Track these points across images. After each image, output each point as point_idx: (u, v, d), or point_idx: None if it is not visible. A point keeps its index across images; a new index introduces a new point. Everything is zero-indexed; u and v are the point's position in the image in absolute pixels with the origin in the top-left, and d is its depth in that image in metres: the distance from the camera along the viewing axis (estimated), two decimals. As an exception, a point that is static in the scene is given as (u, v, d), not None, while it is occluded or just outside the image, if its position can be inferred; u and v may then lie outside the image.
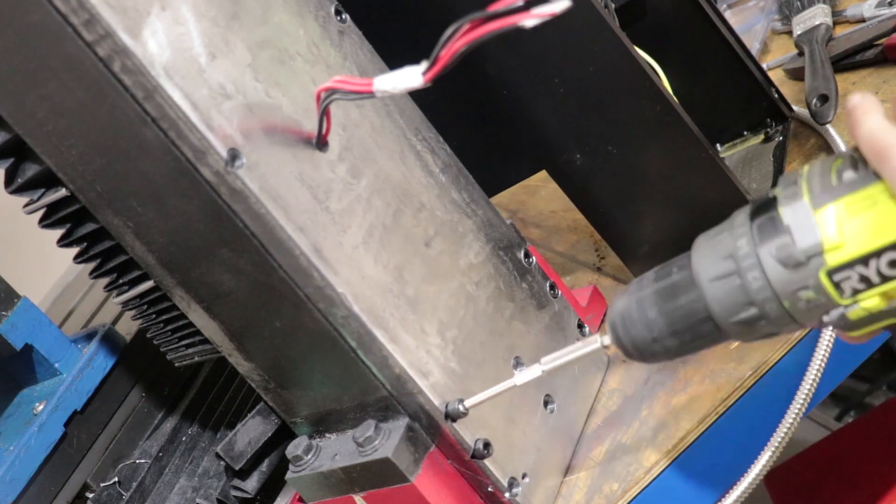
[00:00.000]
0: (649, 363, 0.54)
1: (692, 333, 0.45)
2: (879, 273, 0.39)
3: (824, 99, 0.79)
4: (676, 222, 0.70)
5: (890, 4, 0.89)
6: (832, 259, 0.40)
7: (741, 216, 0.43)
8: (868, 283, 0.39)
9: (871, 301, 0.40)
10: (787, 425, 0.58)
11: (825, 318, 0.41)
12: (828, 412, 1.48)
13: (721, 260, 0.43)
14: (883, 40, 0.84)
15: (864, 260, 0.39)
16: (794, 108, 0.83)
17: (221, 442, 0.70)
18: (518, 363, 0.62)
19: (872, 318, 0.41)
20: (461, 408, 0.56)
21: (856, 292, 0.40)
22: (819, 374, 0.60)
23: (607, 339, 0.48)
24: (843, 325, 0.41)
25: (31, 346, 0.81)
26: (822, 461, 0.96)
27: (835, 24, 0.93)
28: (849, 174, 0.40)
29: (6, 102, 0.54)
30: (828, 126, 0.77)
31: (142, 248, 0.58)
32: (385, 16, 0.67)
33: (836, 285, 0.40)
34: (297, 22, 0.57)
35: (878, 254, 0.39)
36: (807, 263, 0.40)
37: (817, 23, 0.93)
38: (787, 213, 0.41)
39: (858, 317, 0.41)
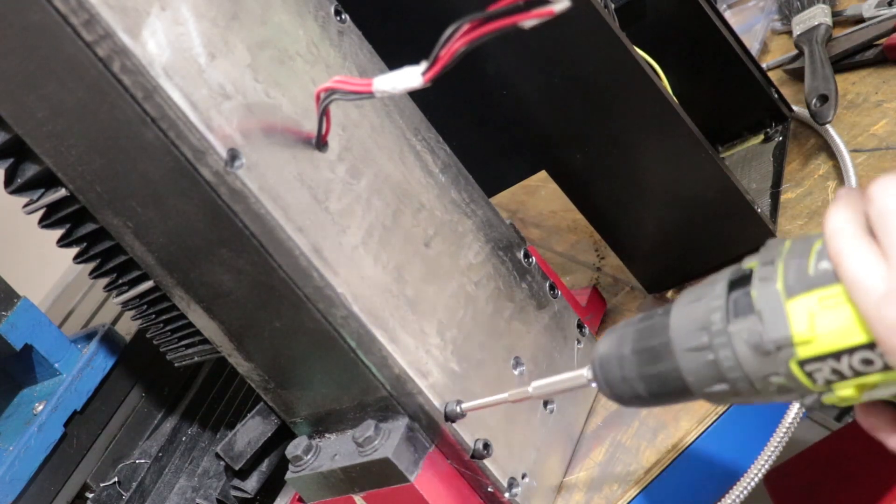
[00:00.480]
0: (627, 407, 0.56)
1: (668, 394, 0.45)
2: (852, 368, 0.37)
3: (824, 99, 0.79)
4: (676, 222, 0.70)
5: (890, 4, 0.89)
6: (803, 352, 0.38)
7: (721, 284, 0.42)
8: (841, 376, 0.38)
9: (846, 391, 0.38)
10: (787, 425, 0.58)
11: (799, 402, 0.40)
12: (828, 412, 1.48)
13: (696, 331, 0.42)
14: (882, 40, 0.84)
15: (836, 356, 0.37)
16: (794, 108, 0.83)
17: (221, 442, 0.70)
18: (518, 363, 0.62)
19: (850, 401, 0.39)
20: (458, 409, 0.56)
21: (829, 382, 0.38)
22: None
23: (590, 376, 0.48)
24: (820, 407, 0.40)
25: (31, 346, 0.81)
26: (822, 461, 0.96)
27: (834, 24, 0.93)
28: (824, 264, 0.38)
29: (6, 102, 0.54)
30: (828, 126, 0.77)
31: (141, 248, 0.58)
32: (385, 16, 0.66)
33: (808, 374, 0.38)
34: (296, 22, 0.57)
35: (849, 351, 0.37)
36: (776, 352, 0.39)
37: (817, 23, 0.93)
38: (759, 297, 0.39)
39: (834, 402, 0.39)
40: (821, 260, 0.38)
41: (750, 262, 0.41)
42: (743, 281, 0.41)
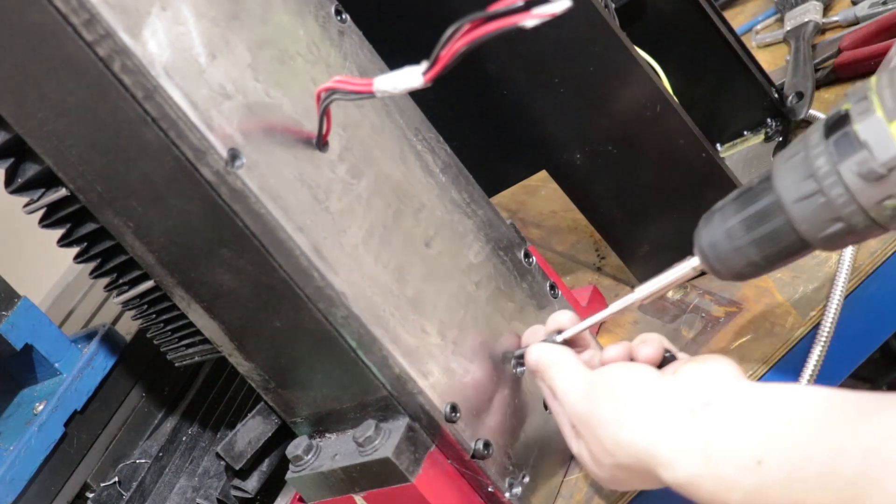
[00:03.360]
0: (742, 281, 0.56)
1: (782, 252, 0.46)
2: None
3: (800, 96, 0.80)
4: (676, 222, 0.70)
5: (884, 3, 0.89)
6: None
7: (816, 134, 0.44)
8: None
9: None
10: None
11: None
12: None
13: (803, 180, 0.44)
14: (830, 62, 0.84)
15: None
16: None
17: (221, 442, 0.70)
18: (518, 363, 0.62)
19: None
20: (557, 339, 0.58)
21: None
22: (816, 372, 0.60)
23: (697, 263, 0.50)
24: None
25: (31, 346, 0.81)
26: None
27: (829, 27, 0.93)
28: None
29: (6, 102, 0.54)
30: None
31: (142, 248, 0.58)
32: (385, 16, 0.67)
33: None
34: (297, 22, 0.57)
35: None
36: (889, 174, 0.41)
37: (807, 20, 0.93)
38: (862, 128, 0.41)
39: None
40: None
41: (843, 105, 0.43)
42: (838, 124, 0.43)
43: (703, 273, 0.51)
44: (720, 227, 0.48)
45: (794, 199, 0.44)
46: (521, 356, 0.62)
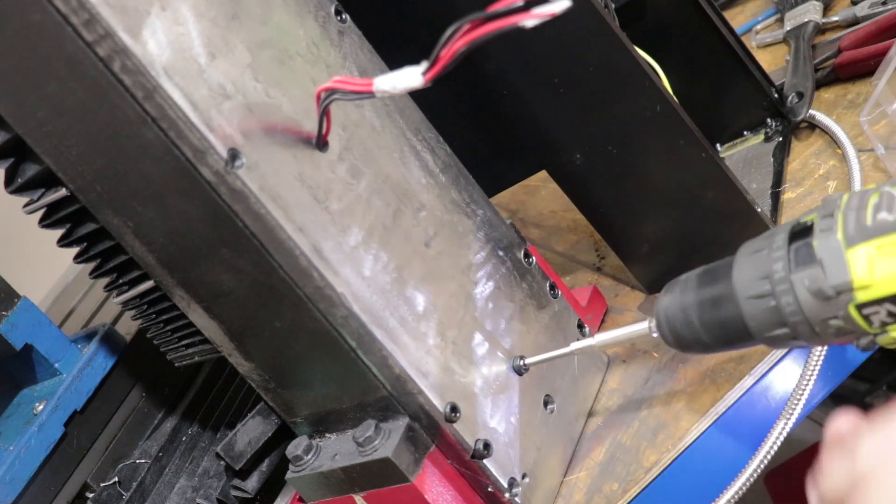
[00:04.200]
0: (688, 353, 0.60)
1: (730, 339, 0.48)
2: None
3: (800, 96, 0.80)
4: (676, 222, 0.70)
5: (884, 3, 0.89)
6: (861, 296, 0.41)
7: (781, 236, 0.45)
8: None
9: None
10: (782, 425, 0.58)
11: (855, 343, 0.43)
12: (828, 412, 1.48)
13: (758, 280, 0.45)
14: (830, 62, 0.84)
15: (893, 299, 0.40)
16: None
17: (221, 442, 0.70)
18: (518, 364, 0.62)
19: None
20: (523, 364, 0.62)
21: (885, 324, 0.41)
22: (816, 372, 0.59)
23: (652, 327, 0.53)
24: (873, 347, 0.43)
25: (31, 346, 0.81)
26: (822, 461, 0.96)
27: (829, 27, 0.93)
28: (883, 215, 0.41)
29: (6, 102, 0.54)
30: (834, 126, 0.77)
31: (142, 248, 0.58)
32: (385, 16, 0.66)
33: (866, 318, 0.42)
34: (296, 22, 0.57)
35: None
36: (836, 297, 0.42)
37: (807, 20, 0.93)
38: (821, 246, 0.42)
39: (889, 342, 0.42)
40: (878, 211, 0.41)
41: (809, 216, 0.44)
42: (802, 233, 0.44)
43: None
44: (678, 300, 0.50)
45: (748, 296, 0.46)
46: (522, 356, 0.62)
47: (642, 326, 0.54)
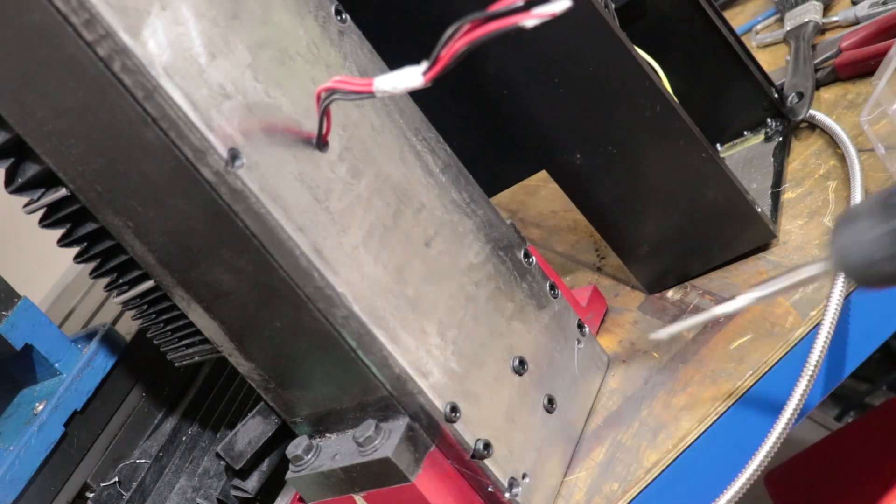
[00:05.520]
0: (879, 289, 0.55)
1: None
2: None
3: (801, 96, 0.80)
4: (676, 222, 0.70)
5: (884, 3, 0.89)
6: None
7: None
8: None
9: None
10: (782, 425, 0.58)
11: None
12: (828, 412, 1.48)
13: None
14: (830, 62, 0.84)
15: None
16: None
17: (221, 442, 0.70)
18: (518, 364, 0.62)
19: None
20: (662, 334, 0.57)
21: None
22: (816, 373, 0.60)
23: (830, 268, 0.48)
24: None
25: (31, 346, 0.81)
26: (822, 461, 0.96)
27: (829, 27, 0.93)
28: None
29: (6, 102, 0.54)
30: (835, 125, 0.77)
31: (142, 248, 0.59)
32: (385, 16, 0.67)
33: None
34: (297, 22, 0.57)
35: None
36: None
37: (806, 20, 0.93)
38: None
39: None
40: None
41: None
42: None
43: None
44: (866, 233, 0.46)
45: None
46: (521, 356, 0.62)
47: (816, 267, 0.49)
